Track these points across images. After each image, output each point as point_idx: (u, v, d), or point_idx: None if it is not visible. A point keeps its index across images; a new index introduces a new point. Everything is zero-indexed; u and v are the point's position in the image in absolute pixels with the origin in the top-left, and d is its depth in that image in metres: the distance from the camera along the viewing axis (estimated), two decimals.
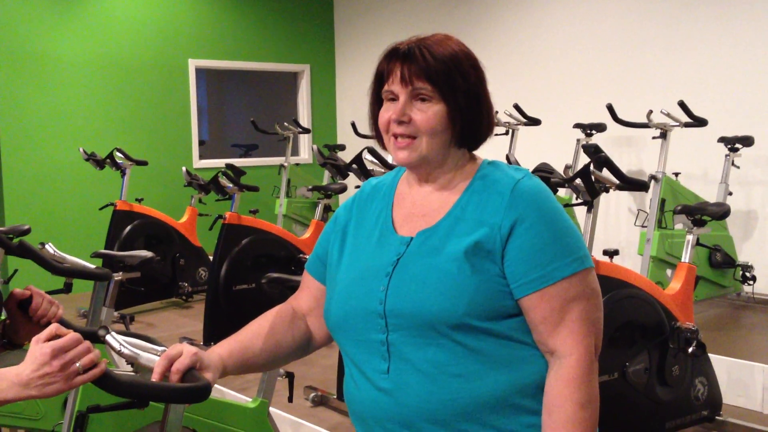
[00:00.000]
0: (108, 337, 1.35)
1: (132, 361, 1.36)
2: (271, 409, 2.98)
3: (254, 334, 1.57)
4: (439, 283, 1.38)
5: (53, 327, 1.24)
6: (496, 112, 6.39)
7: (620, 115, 5.76)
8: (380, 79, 1.48)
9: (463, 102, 1.43)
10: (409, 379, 1.40)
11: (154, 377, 1.34)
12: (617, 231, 6.69)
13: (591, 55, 6.83)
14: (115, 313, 5.33)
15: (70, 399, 2.55)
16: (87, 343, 1.23)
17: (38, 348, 1.21)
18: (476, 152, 1.53)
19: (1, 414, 3.21)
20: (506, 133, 6.49)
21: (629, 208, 6.63)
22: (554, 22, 7.14)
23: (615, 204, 6.70)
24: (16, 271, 3.93)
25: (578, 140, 6.42)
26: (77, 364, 1.22)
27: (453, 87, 1.42)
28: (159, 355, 1.38)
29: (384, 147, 1.53)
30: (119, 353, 1.35)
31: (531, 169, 3.65)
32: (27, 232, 3.98)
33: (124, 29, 7.74)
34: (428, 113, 1.42)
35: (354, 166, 4.46)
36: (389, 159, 4.20)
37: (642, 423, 3.28)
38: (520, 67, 7.33)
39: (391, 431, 1.44)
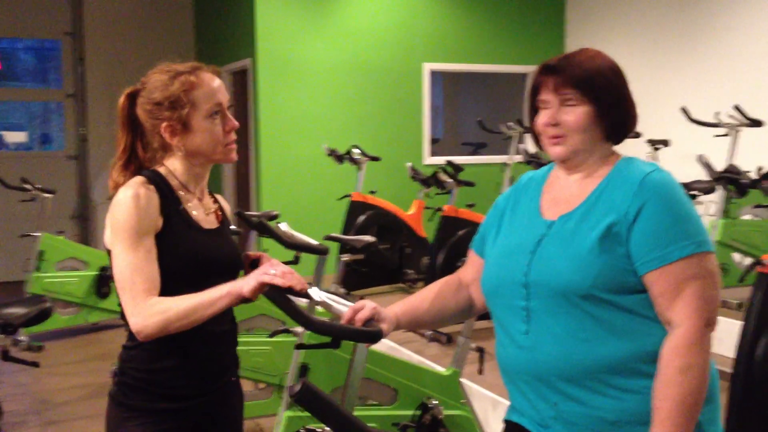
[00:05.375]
0: (311, 290, 1.78)
1: (326, 308, 1.79)
2: (466, 381, 3.32)
3: (424, 297, 1.95)
4: (573, 260, 1.64)
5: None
6: (717, 113, 6.19)
7: None
8: (535, 90, 1.79)
9: (606, 102, 1.70)
10: (544, 340, 1.67)
11: (342, 322, 1.75)
12: None
13: None
14: (341, 290, 5.93)
15: (294, 356, 3.08)
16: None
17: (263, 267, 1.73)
18: (634, 150, 1.76)
19: (247, 369, 3.84)
20: (727, 134, 6.28)
21: None
22: None
23: None
24: (266, 250, 4.62)
25: None
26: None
27: (595, 89, 1.69)
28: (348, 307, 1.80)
29: (539, 146, 1.84)
30: (317, 302, 1.79)
31: (719, 171, 3.66)
32: (276, 216, 4.65)
33: (366, 37, 8.38)
34: (576, 114, 1.70)
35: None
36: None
37: None
38: (742, 66, 7.02)
39: (529, 383, 1.72)
